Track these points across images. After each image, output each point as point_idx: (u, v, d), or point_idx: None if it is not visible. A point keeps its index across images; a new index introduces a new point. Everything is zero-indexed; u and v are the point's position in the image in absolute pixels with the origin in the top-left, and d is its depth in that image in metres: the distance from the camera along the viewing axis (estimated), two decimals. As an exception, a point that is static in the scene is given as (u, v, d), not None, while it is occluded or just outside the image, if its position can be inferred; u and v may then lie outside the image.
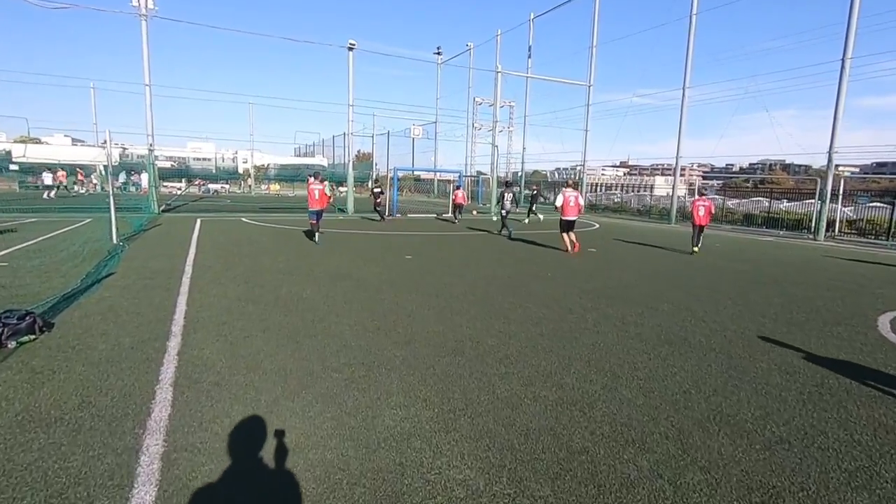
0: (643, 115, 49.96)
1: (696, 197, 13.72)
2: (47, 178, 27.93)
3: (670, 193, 28.68)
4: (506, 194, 15.30)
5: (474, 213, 25.75)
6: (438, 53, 43.94)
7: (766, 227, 21.16)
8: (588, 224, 21.08)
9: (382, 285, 7.38)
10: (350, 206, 22.63)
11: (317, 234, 12.14)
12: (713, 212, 13.29)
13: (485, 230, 17.03)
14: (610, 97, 67.11)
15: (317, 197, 12.03)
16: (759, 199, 22.83)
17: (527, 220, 20.98)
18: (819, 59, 68.49)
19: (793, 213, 21.11)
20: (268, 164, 50.28)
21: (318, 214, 12.19)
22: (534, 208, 21.94)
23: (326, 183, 12.45)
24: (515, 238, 14.41)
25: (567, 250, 11.48)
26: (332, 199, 13.76)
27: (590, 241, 14.24)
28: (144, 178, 38.66)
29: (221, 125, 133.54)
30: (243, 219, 17.97)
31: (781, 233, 19.85)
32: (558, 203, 11.69)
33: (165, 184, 42.26)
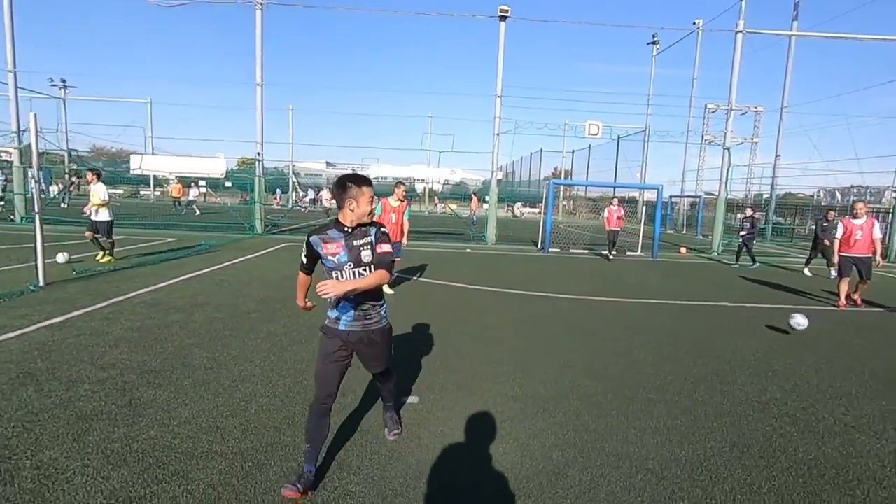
0: None
1: None
2: (193, 192, 27.67)
3: None
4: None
5: (683, 250, 16.86)
6: (654, 42, 34.68)
7: None
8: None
9: None
10: (490, 231, 16.52)
11: None
12: None
13: (728, 297, 8.97)
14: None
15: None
16: None
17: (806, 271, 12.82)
18: None
19: None
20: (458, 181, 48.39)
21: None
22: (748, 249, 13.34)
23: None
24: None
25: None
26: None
27: None
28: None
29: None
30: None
31: None
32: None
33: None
